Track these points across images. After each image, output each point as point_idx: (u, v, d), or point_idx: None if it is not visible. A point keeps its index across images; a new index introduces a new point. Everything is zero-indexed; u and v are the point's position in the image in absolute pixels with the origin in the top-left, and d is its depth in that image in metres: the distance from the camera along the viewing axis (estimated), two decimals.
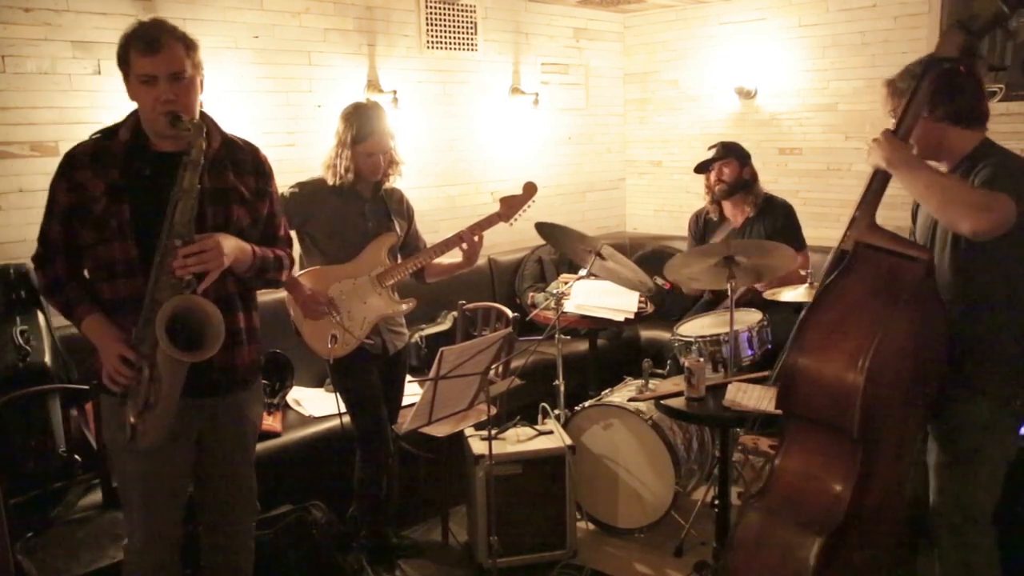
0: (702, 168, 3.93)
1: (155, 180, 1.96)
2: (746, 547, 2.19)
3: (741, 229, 3.88)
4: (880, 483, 2.06)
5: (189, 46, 1.95)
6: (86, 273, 2.06)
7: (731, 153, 3.85)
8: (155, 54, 1.89)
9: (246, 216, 2.11)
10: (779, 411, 2.18)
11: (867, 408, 1.95)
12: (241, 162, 2.12)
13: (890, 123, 2.11)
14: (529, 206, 3.15)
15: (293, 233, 2.92)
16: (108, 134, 2.03)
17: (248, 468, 2.27)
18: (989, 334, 2.04)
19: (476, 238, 3.01)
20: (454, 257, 3.10)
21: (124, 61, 1.94)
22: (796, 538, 2.06)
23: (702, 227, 4.07)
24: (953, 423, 2.08)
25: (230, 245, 1.98)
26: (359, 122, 2.84)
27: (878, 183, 2.09)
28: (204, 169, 2.00)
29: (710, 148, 3.95)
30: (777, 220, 3.82)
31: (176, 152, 1.94)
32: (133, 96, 1.97)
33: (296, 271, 2.91)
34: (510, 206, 3.11)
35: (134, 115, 2.02)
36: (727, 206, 3.94)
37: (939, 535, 2.15)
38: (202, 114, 2.06)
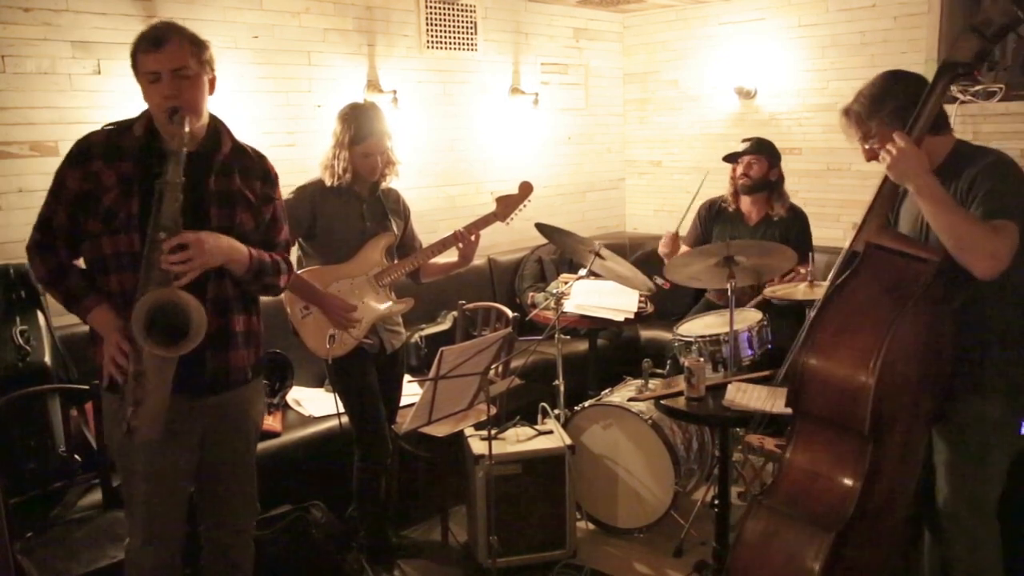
0: (731, 158, 3.92)
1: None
2: (751, 545, 2.19)
3: (756, 227, 3.87)
4: (886, 482, 2.07)
5: (196, 44, 1.97)
6: (82, 263, 2.06)
7: (763, 150, 3.83)
8: (158, 50, 1.90)
9: (250, 220, 2.11)
10: (782, 411, 2.19)
11: (877, 407, 1.96)
12: (248, 168, 2.13)
13: (858, 150, 2.15)
14: (525, 205, 3.16)
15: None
16: (122, 128, 2.04)
17: (249, 468, 2.28)
18: (1001, 333, 2.04)
19: (472, 237, 3.01)
20: (450, 257, 3.10)
21: (135, 62, 1.96)
22: (803, 536, 2.07)
23: (713, 215, 4.01)
24: (964, 420, 2.09)
25: (220, 243, 1.98)
26: (357, 123, 2.84)
27: (891, 185, 2.09)
28: (215, 172, 2.02)
29: (744, 140, 3.93)
30: (792, 230, 3.80)
31: (191, 152, 1.94)
32: (145, 97, 1.98)
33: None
34: (506, 205, 3.12)
35: (148, 113, 2.03)
36: (745, 201, 3.92)
37: (947, 530, 2.16)
38: (213, 118, 2.08)
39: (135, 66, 1.96)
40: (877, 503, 2.07)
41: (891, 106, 2.06)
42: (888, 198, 2.11)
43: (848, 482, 2.06)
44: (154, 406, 1.93)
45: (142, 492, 2.07)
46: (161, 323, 1.86)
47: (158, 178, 1.89)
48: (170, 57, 1.91)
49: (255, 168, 2.15)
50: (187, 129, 1.88)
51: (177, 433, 2.02)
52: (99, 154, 1.98)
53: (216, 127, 2.10)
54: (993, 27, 1.92)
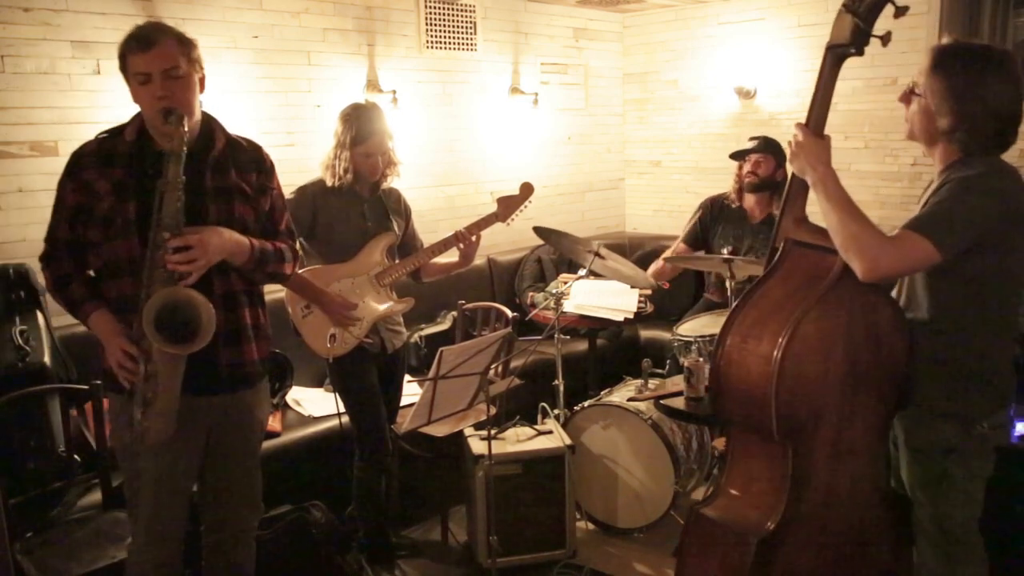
0: (738, 156, 3.91)
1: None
2: (691, 550, 2.18)
3: (759, 226, 3.87)
4: (819, 485, 2.00)
5: (184, 43, 1.98)
6: (91, 272, 2.09)
7: (771, 150, 3.83)
8: (147, 51, 1.92)
9: (249, 213, 2.13)
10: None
11: (785, 406, 1.89)
12: (244, 160, 2.14)
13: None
14: (526, 206, 3.16)
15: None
16: (114, 134, 2.05)
17: (254, 468, 2.29)
18: (954, 355, 1.95)
19: (473, 238, 3.01)
20: (451, 257, 3.10)
21: (124, 63, 1.97)
22: (734, 540, 2.03)
23: (716, 214, 4.01)
24: (918, 446, 2.02)
25: (223, 238, 1.99)
26: (358, 123, 2.84)
27: (800, 179, 2.07)
28: (210, 169, 2.03)
29: (751, 139, 3.93)
30: None
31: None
32: (135, 98, 2.00)
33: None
34: (507, 206, 3.12)
35: (140, 115, 2.04)
36: (749, 199, 3.92)
37: (919, 542, 2.09)
38: (205, 115, 2.09)
39: (124, 67, 1.97)
40: (814, 505, 2.00)
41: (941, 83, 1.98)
42: (800, 191, 2.07)
43: (774, 486, 2.01)
44: (165, 406, 1.94)
45: (148, 493, 2.08)
46: (170, 322, 1.87)
47: (154, 180, 1.90)
48: (160, 57, 1.92)
49: (250, 160, 2.16)
50: (186, 128, 1.89)
51: (185, 433, 2.03)
52: (90, 164, 2.01)
53: (209, 124, 2.10)
54: (864, 4, 1.90)
